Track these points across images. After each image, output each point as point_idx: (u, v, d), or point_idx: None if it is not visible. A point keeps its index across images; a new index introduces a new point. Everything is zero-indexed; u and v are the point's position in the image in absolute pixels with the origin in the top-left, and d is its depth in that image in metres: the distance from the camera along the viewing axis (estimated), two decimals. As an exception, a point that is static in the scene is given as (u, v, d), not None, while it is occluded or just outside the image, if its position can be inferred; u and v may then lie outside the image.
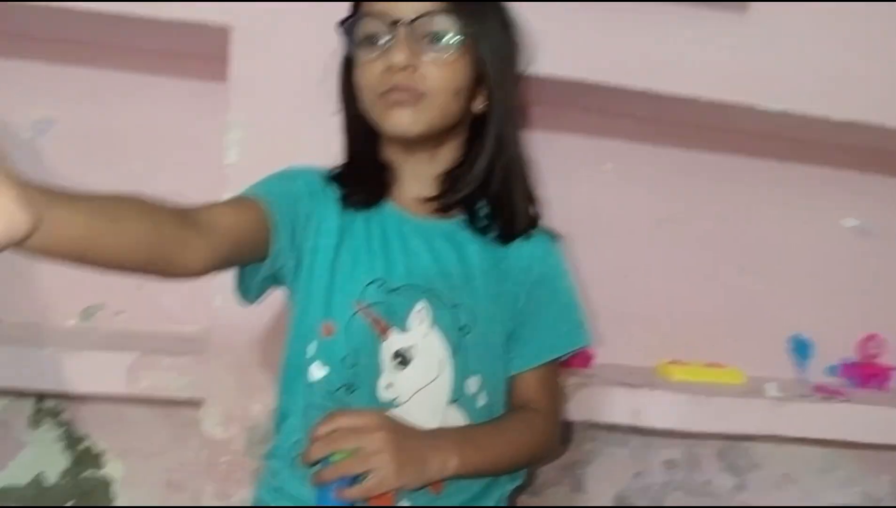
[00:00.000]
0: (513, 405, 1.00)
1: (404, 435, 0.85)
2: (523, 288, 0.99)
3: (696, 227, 1.50)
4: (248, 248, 0.87)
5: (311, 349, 0.91)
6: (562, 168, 1.37)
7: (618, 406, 1.25)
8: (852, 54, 1.27)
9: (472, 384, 0.93)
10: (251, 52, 1.12)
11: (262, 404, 1.13)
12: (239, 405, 1.13)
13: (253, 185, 0.92)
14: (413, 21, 0.87)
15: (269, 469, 0.97)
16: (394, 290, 0.92)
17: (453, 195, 0.96)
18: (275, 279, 0.93)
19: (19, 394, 1.24)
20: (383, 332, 0.91)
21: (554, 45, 1.17)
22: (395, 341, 0.91)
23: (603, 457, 1.42)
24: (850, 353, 1.54)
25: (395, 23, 0.88)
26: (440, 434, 0.89)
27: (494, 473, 0.96)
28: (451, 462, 0.86)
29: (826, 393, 1.38)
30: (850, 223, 1.56)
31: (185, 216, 0.78)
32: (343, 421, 0.84)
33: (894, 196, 1.56)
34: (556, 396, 1.05)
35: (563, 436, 1.21)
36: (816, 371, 1.52)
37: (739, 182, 1.51)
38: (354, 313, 0.90)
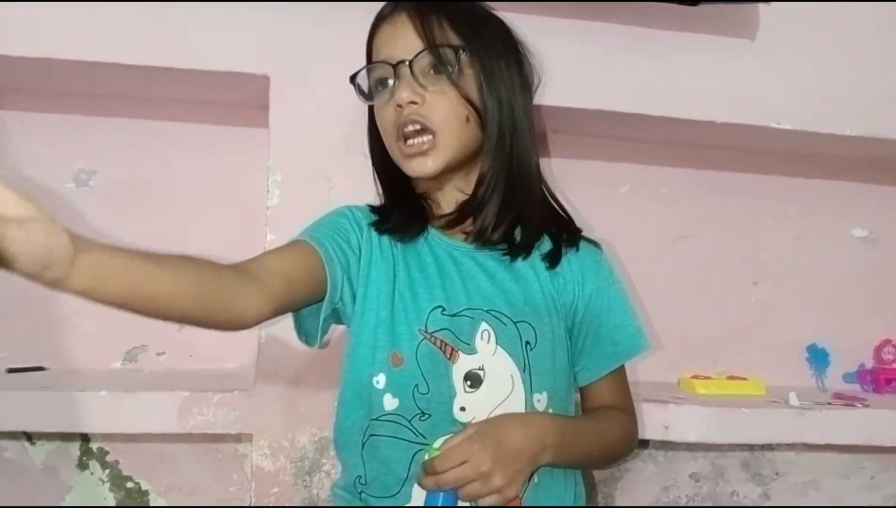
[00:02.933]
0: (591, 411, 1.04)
1: (504, 445, 0.86)
2: (581, 301, 1.01)
3: (712, 243, 1.54)
4: (303, 290, 0.89)
5: (381, 380, 0.93)
6: (581, 192, 1.41)
7: (648, 422, 1.27)
8: (855, 73, 1.33)
9: (540, 401, 0.95)
10: (290, 98, 1.17)
11: (308, 434, 1.16)
12: (286, 437, 1.15)
13: (302, 230, 0.96)
14: (412, 60, 0.93)
15: (339, 498, 0.99)
16: (455, 314, 0.94)
17: (464, 216, 0.99)
18: (336, 317, 0.96)
19: (66, 438, 1.27)
20: (452, 356, 0.92)
21: (571, 77, 1.22)
22: (464, 363, 0.93)
23: (632, 473, 1.45)
24: (866, 359, 1.58)
25: (396, 65, 0.94)
26: (539, 424, 0.91)
27: (584, 465, 1.00)
28: (547, 453, 0.89)
29: (845, 400, 1.41)
30: (860, 233, 1.61)
31: (235, 268, 0.81)
32: (455, 455, 0.84)
33: (899, 205, 1.61)
34: (629, 397, 1.08)
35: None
36: (834, 379, 1.56)
37: (751, 199, 1.56)
38: (421, 341, 0.93)
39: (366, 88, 1.00)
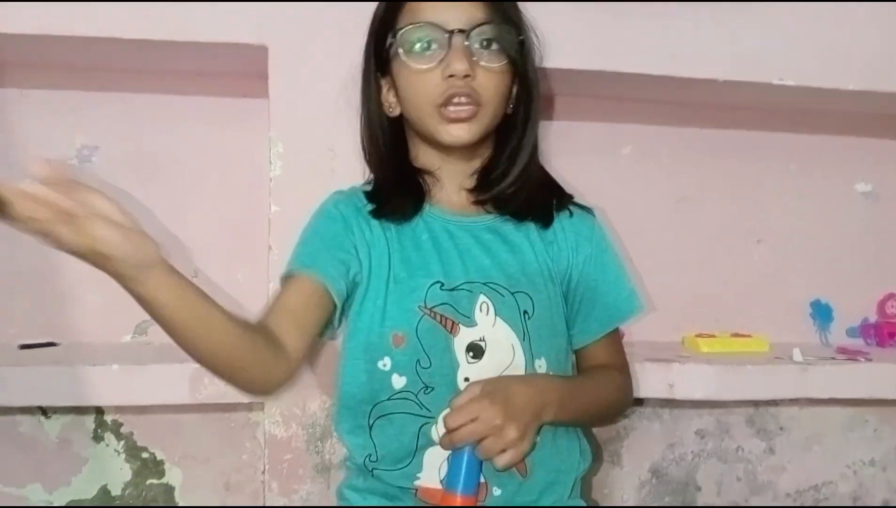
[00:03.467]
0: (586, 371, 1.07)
1: (512, 400, 0.88)
2: (575, 268, 1.04)
3: (714, 202, 1.55)
4: (319, 328, 0.96)
5: (386, 363, 0.96)
6: (583, 154, 1.42)
7: (653, 381, 1.28)
8: (856, 27, 1.32)
9: (541, 366, 0.98)
10: (289, 68, 1.16)
11: (318, 401, 1.17)
12: (297, 405, 1.17)
13: (296, 254, 0.99)
14: (472, 31, 0.92)
15: (350, 473, 1.03)
16: (454, 289, 0.96)
17: (493, 191, 1.01)
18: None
19: (80, 411, 1.29)
20: (452, 329, 0.95)
21: (569, 38, 1.21)
22: (465, 335, 0.95)
23: (638, 431, 1.46)
24: (869, 314, 1.59)
25: (451, 32, 0.92)
26: (540, 383, 0.95)
27: (583, 422, 1.04)
28: (549, 411, 0.92)
29: (848, 355, 1.42)
30: (862, 188, 1.61)
31: (266, 330, 0.88)
32: (465, 411, 0.87)
33: (902, 160, 1.61)
34: (623, 357, 1.12)
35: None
36: (838, 334, 1.57)
37: (753, 156, 1.55)
38: (421, 318, 0.95)
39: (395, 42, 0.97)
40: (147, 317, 1.31)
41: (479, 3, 0.93)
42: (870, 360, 1.38)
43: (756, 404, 1.49)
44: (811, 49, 1.30)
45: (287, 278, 0.97)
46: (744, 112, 1.47)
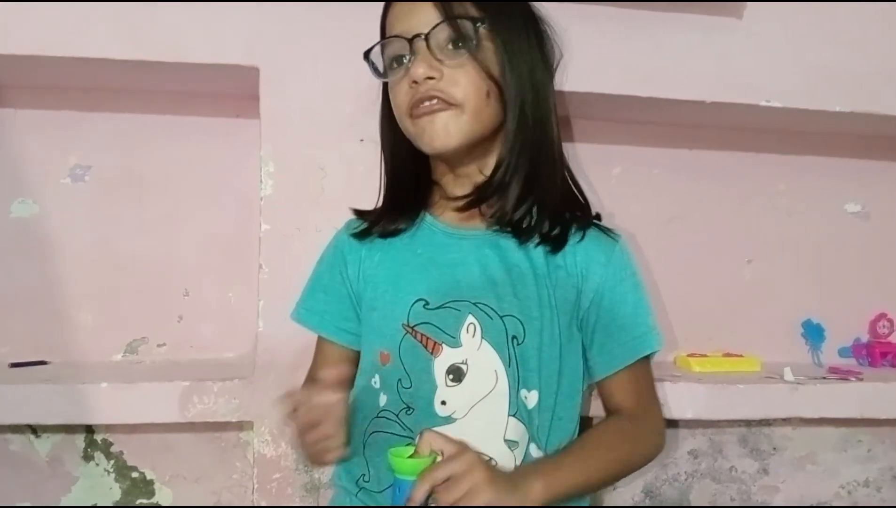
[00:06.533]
0: (606, 411, 1.02)
1: (492, 467, 0.87)
2: (585, 296, 0.97)
3: (705, 222, 1.55)
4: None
5: (377, 380, 0.96)
6: (574, 174, 1.42)
7: (644, 401, 1.29)
8: (842, 49, 1.33)
9: (531, 398, 0.93)
10: (280, 89, 1.17)
11: (308, 421, 1.17)
12: (286, 424, 1.17)
13: (306, 308, 1.05)
14: (428, 33, 0.90)
15: (342, 491, 1.01)
16: (440, 307, 0.94)
17: (485, 204, 0.96)
18: None
19: (70, 430, 1.29)
20: (434, 349, 0.92)
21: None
22: (447, 357, 0.92)
23: (631, 451, 1.46)
24: (861, 334, 1.59)
25: (412, 39, 0.90)
26: (521, 467, 0.90)
27: (593, 488, 0.96)
28: (535, 486, 0.85)
29: (840, 374, 1.42)
30: (852, 208, 1.62)
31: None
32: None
33: (891, 180, 1.62)
34: (644, 394, 1.03)
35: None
36: (830, 354, 1.57)
37: (743, 177, 1.56)
38: (404, 336, 0.93)
39: (381, 66, 0.97)
40: (138, 336, 1.35)
41: (436, 3, 0.90)
42: (861, 379, 1.38)
43: (749, 423, 1.49)
44: (798, 71, 1.31)
45: (317, 340, 1.07)
46: (733, 133, 1.48)
